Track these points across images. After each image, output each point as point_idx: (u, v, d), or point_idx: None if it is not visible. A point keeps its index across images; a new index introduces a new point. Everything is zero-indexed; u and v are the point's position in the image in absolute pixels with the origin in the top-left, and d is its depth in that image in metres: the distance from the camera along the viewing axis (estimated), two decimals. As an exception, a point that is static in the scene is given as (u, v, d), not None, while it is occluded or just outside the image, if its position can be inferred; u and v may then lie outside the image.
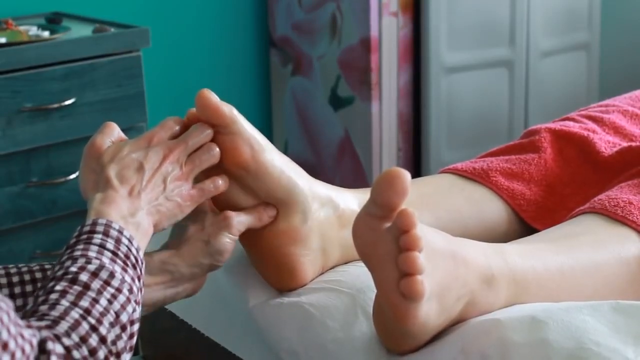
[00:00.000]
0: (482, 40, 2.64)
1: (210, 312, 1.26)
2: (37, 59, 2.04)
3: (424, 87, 2.60)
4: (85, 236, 0.93)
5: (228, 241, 1.07)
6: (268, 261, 1.12)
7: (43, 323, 0.82)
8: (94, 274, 0.88)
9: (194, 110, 1.08)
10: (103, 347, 0.84)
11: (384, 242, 0.94)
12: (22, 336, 0.76)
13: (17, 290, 0.99)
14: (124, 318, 0.88)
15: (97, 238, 0.92)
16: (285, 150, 2.84)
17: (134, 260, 0.94)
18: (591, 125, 1.44)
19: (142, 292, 0.95)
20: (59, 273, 0.89)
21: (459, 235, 1.09)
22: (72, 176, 2.13)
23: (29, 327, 0.80)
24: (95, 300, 0.86)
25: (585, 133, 1.40)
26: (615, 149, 1.37)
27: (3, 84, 2.00)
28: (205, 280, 1.11)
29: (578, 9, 2.84)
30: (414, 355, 1.01)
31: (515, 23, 2.67)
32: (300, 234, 1.11)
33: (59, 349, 0.80)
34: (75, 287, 0.87)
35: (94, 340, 0.83)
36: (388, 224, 0.94)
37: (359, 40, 2.53)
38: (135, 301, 0.90)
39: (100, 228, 0.93)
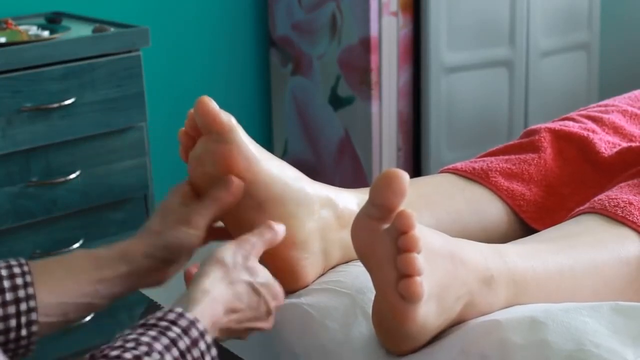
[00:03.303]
0: (482, 40, 2.64)
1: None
2: (37, 59, 2.05)
3: (423, 87, 2.60)
4: (164, 324, 0.90)
5: (183, 236, 1.07)
6: (269, 265, 1.11)
7: None
8: None
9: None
10: None
11: (383, 243, 0.94)
12: None
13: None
14: None
15: (174, 332, 0.89)
16: (285, 150, 2.84)
17: None
18: (591, 125, 1.44)
19: None
20: (114, 353, 0.86)
21: (459, 235, 1.08)
22: (72, 176, 2.13)
23: None
24: None
25: (585, 133, 1.40)
26: (615, 149, 1.37)
27: (3, 84, 2.00)
28: (169, 274, 1.09)
29: (578, 9, 2.84)
30: (413, 356, 1.01)
31: (515, 23, 2.67)
32: (300, 238, 1.11)
33: None
34: None
35: None
36: (387, 225, 0.94)
37: (359, 40, 2.53)
38: None
39: (183, 323, 0.90)
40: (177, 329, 0.89)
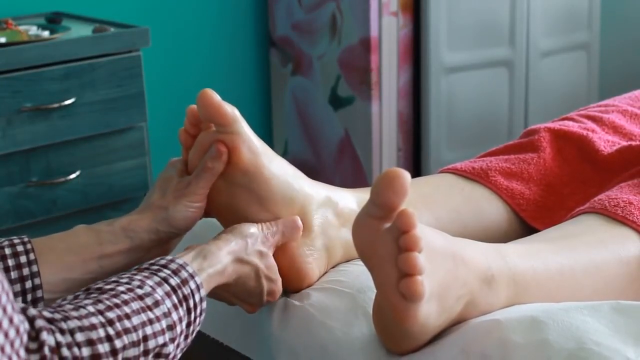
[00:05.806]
0: (482, 40, 2.64)
1: (212, 311, 1.25)
2: (37, 59, 2.04)
3: (423, 87, 2.60)
4: (155, 267, 0.95)
5: (184, 209, 1.08)
6: (277, 265, 1.11)
7: (50, 315, 0.83)
8: (139, 297, 0.90)
9: (193, 106, 1.08)
10: (111, 358, 0.84)
11: (384, 242, 0.94)
12: (11, 320, 0.76)
13: None
14: (150, 344, 0.88)
15: (164, 273, 0.94)
16: (285, 150, 2.84)
17: (191, 305, 0.94)
18: (590, 124, 1.44)
19: (189, 340, 0.95)
20: (108, 287, 0.90)
21: (459, 235, 1.09)
22: (72, 176, 2.13)
23: (24, 311, 0.80)
24: (127, 317, 0.87)
25: (585, 132, 1.40)
26: (614, 148, 1.38)
27: (3, 84, 2.00)
28: (171, 247, 1.12)
29: (578, 9, 2.84)
30: (414, 356, 1.01)
31: (515, 23, 2.67)
32: (303, 235, 1.11)
33: (50, 341, 0.81)
34: (114, 299, 0.88)
35: (102, 348, 0.84)
36: (388, 225, 0.94)
37: (359, 40, 2.53)
38: (172, 339, 0.91)
39: (173, 266, 0.95)
40: (167, 271, 0.94)
